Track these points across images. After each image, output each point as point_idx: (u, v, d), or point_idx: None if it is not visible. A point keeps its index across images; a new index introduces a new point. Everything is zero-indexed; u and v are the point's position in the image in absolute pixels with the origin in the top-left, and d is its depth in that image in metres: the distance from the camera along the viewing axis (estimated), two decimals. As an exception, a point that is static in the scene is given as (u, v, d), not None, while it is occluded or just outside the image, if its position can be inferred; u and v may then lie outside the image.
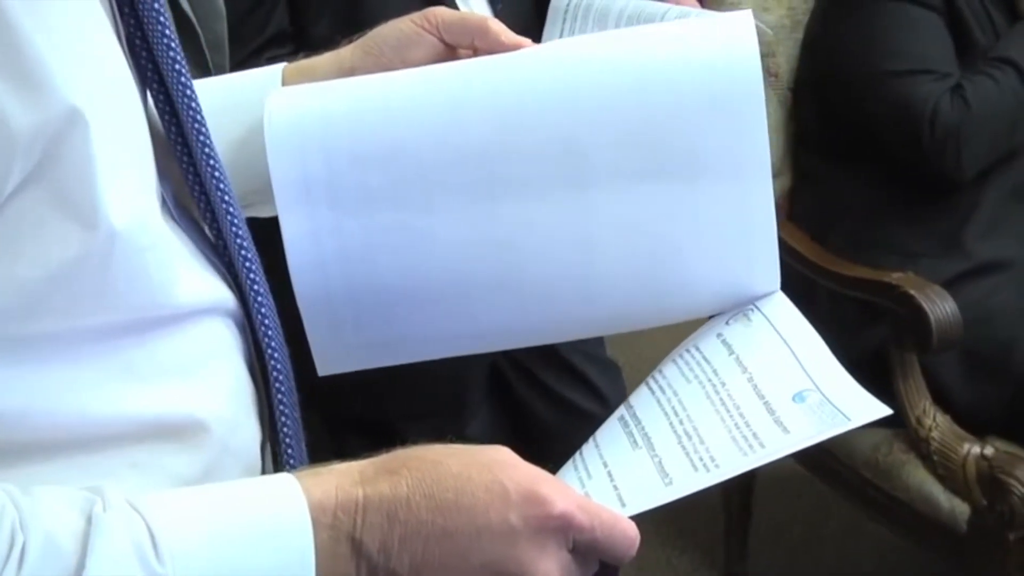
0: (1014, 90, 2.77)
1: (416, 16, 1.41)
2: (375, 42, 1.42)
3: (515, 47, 1.35)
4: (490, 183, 1.28)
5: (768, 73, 3.06)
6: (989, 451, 2.59)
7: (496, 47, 1.35)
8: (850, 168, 2.95)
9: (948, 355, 2.69)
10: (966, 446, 2.61)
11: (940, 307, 2.61)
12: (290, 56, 2.26)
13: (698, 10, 2.26)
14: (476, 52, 1.38)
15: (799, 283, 2.84)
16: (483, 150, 1.28)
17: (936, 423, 2.65)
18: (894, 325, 2.68)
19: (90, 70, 0.95)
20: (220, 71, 1.98)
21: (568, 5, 2.27)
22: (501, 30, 1.37)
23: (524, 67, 1.32)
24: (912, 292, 2.62)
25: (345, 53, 1.44)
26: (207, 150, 1.14)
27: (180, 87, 1.11)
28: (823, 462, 2.99)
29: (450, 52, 1.39)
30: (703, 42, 1.31)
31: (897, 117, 2.79)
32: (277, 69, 1.45)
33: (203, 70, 1.89)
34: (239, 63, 2.10)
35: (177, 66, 1.10)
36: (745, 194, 1.29)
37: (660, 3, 2.31)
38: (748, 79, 1.26)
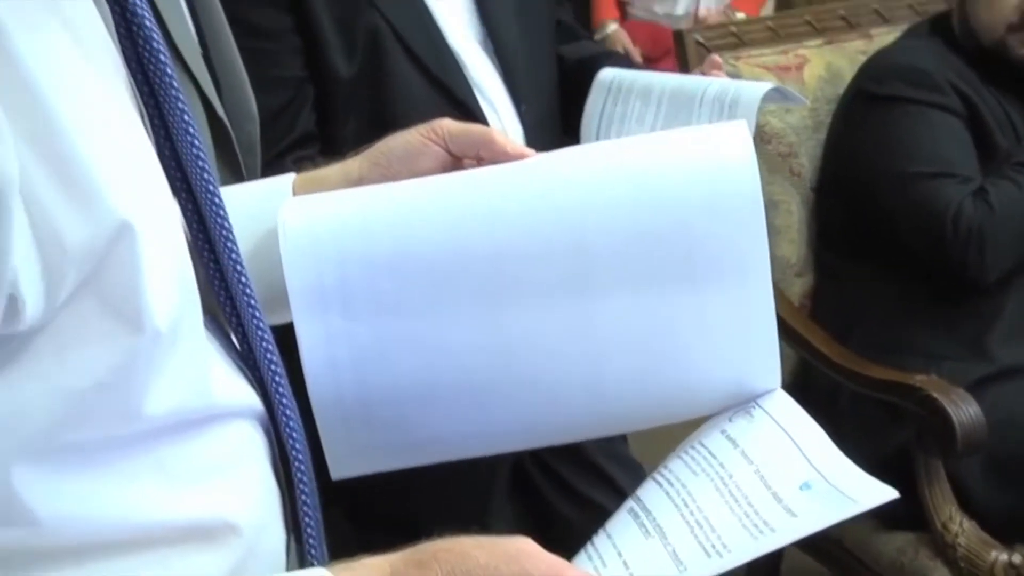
0: None
1: (423, 128, 1.44)
2: (383, 153, 1.46)
3: (519, 157, 1.38)
4: (497, 289, 1.31)
5: (791, 173, 3.12)
6: (1017, 558, 2.57)
7: (500, 157, 1.39)
8: (873, 268, 2.96)
9: (973, 459, 2.68)
10: (993, 553, 2.59)
11: (964, 411, 2.59)
12: (318, 156, 2.31)
13: (735, 83, 2.32)
14: (481, 162, 1.41)
15: (822, 383, 2.87)
16: (489, 257, 1.31)
17: (962, 529, 2.63)
18: (918, 428, 2.67)
19: (135, 182, 0.98)
20: (252, 172, 2.02)
21: (612, 81, 2.34)
22: (505, 141, 1.40)
23: (528, 176, 1.36)
24: (936, 395, 2.61)
25: (353, 164, 1.47)
26: (234, 257, 1.17)
27: (208, 196, 1.13)
28: (849, 565, 2.96)
29: (456, 162, 1.43)
30: (702, 151, 1.36)
31: (920, 219, 2.80)
32: (288, 180, 1.48)
33: (236, 172, 1.92)
34: (266, 163, 2.13)
35: (206, 175, 1.13)
36: (746, 296, 1.32)
37: (699, 78, 2.37)
38: (746, 186, 1.30)
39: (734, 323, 1.34)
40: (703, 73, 2.52)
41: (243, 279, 1.18)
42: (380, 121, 2.33)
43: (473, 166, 1.42)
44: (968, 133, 2.87)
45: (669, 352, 1.35)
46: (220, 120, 1.89)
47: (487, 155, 1.40)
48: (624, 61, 2.71)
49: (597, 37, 4.35)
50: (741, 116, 2.19)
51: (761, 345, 1.36)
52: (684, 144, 1.40)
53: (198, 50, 1.90)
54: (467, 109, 2.40)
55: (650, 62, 4.35)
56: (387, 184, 1.39)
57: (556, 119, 2.58)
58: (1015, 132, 2.91)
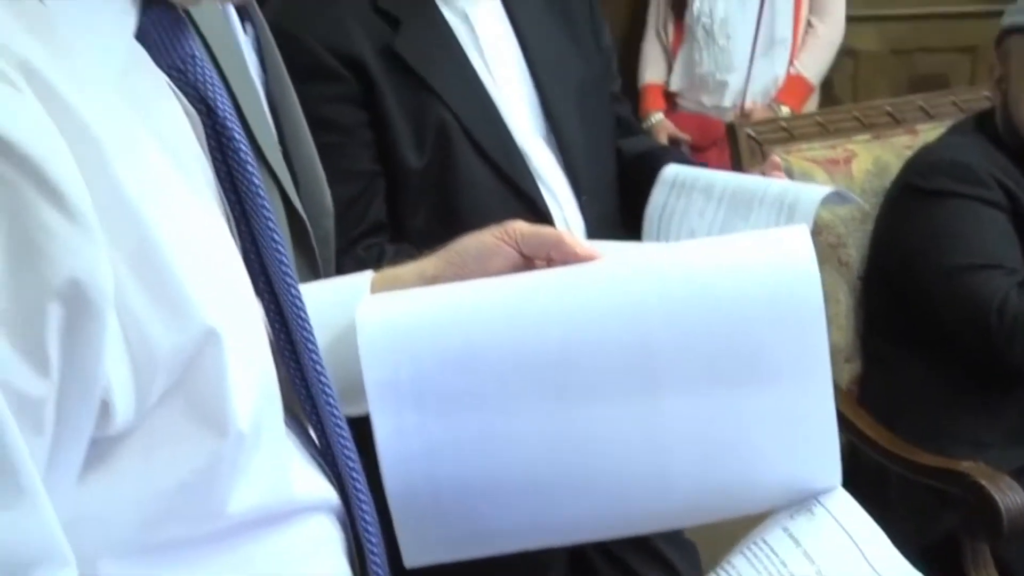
0: None
1: (496, 229, 1.43)
2: (457, 253, 1.44)
3: (588, 258, 1.37)
4: (565, 387, 1.30)
5: (839, 263, 3.10)
6: (1060, 641, 2.52)
7: (571, 258, 1.38)
8: (920, 356, 2.93)
9: (1020, 544, 2.64)
10: (1038, 636, 2.54)
11: (1011, 497, 2.56)
12: (387, 244, 2.30)
13: (795, 185, 2.31)
14: (551, 262, 1.40)
15: (871, 467, 2.84)
16: (558, 355, 1.30)
17: (1009, 612, 2.59)
18: (965, 514, 2.63)
19: (222, 290, 0.97)
20: (327, 264, 2.02)
21: (676, 177, 2.34)
22: (575, 243, 1.39)
23: (596, 278, 1.35)
24: (982, 482, 2.58)
25: (428, 263, 1.46)
26: (314, 356, 1.16)
27: (290, 297, 1.13)
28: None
29: (527, 262, 1.41)
30: (766, 255, 1.35)
31: (967, 310, 2.77)
32: (366, 278, 1.48)
33: (312, 263, 1.93)
34: (339, 251, 2.14)
35: (288, 278, 1.13)
36: (807, 396, 1.31)
37: (759, 178, 2.36)
38: (809, 290, 1.29)
39: (796, 421, 1.33)
40: (763, 173, 2.52)
41: (322, 378, 1.17)
42: (448, 211, 2.36)
43: (543, 266, 1.41)
44: (1012, 226, 2.85)
45: (732, 449, 1.33)
46: (298, 214, 1.89)
47: (557, 256, 1.39)
48: (680, 156, 2.70)
49: (644, 127, 4.33)
50: (800, 218, 2.20)
51: (822, 443, 1.35)
52: (748, 248, 1.40)
53: (278, 147, 1.92)
54: (531, 201, 2.40)
55: (698, 151, 4.36)
56: (461, 284, 1.38)
57: (615, 211, 2.56)
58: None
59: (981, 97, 3.18)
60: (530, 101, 2.46)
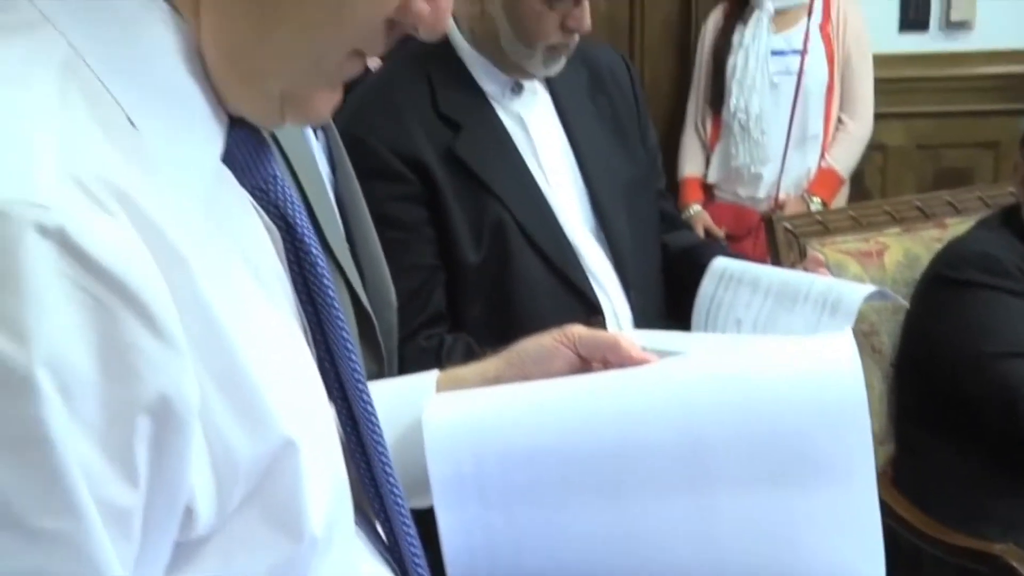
0: None
1: (555, 332, 1.43)
2: (518, 355, 1.44)
3: (643, 362, 1.37)
4: (620, 483, 1.32)
5: (872, 350, 3.08)
6: None
7: (626, 361, 1.38)
8: (951, 440, 2.89)
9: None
10: None
11: None
12: (446, 335, 2.31)
13: (838, 283, 2.32)
14: (607, 365, 1.40)
15: (905, 548, 2.82)
16: (614, 454, 1.32)
17: None
18: (997, 595, 2.60)
19: (299, 400, 0.97)
20: (391, 354, 2.03)
21: (724, 270, 2.35)
22: (630, 347, 1.39)
23: (651, 380, 1.37)
24: (1015, 564, 2.57)
25: (490, 364, 1.46)
26: (383, 456, 1.16)
27: (362, 403, 1.14)
28: None
29: (584, 364, 1.41)
30: (813, 361, 1.36)
31: (996, 395, 2.75)
32: (432, 378, 1.47)
33: (376, 354, 1.94)
34: (401, 340, 2.13)
35: (359, 385, 1.13)
36: (853, 493, 1.31)
37: (804, 274, 2.37)
38: (854, 395, 1.29)
39: (842, 517, 1.33)
40: (804, 268, 2.53)
41: (391, 477, 1.17)
42: (504, 303, 2.37)
43: (600, 368, 1.41)
44: (1036, 319, 2.84)
45: (781, 543, 1.34)
46: (364, 307, 1.90)
47: (613, 359, 1.39)
48: (722, 250, 2.70)
49: (683, 217, 4.33)
50: (843, 315, 2.20)
51: (866, 539, 1.35)
52: (797, 354, 1.41)
53: (346, 244, 1.93)
54: (582, 294, 2.41)
55: (734, 241, 4.35)
56: (521, 384, 1.39)
57: (661, 302, 2.56)
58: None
59: (1006, 193, 3.15)
60: (580, 199, 2.47)
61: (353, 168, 2.04)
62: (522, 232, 2.36)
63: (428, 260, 2.35)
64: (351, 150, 2.04)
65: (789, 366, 1.37)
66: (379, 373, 1.93)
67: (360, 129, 2.18)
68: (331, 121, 1.99)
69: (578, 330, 1.42)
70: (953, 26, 4.83)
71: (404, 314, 2.13)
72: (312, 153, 1.94)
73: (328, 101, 1.02)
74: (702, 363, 1.42)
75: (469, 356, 2.30)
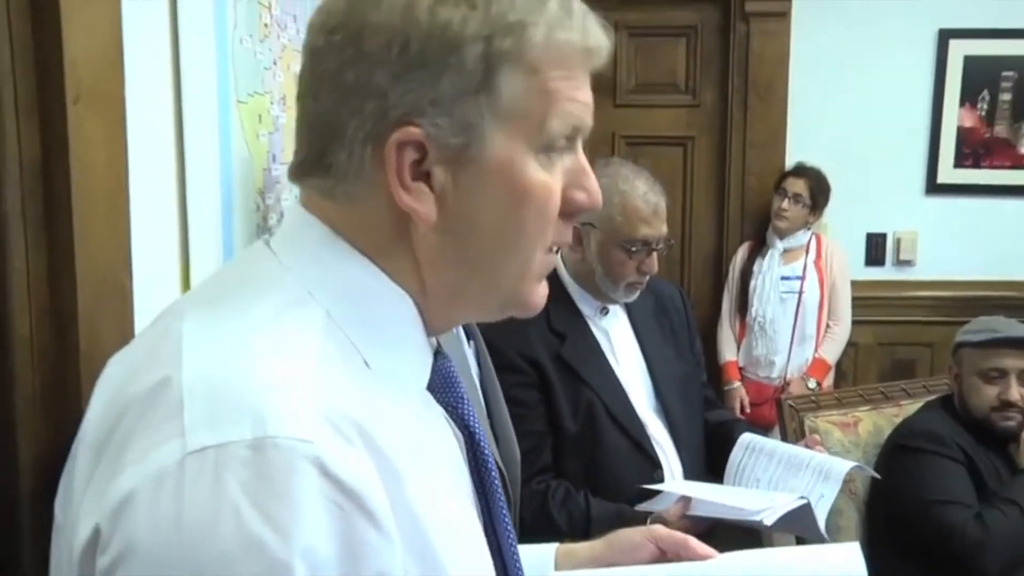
0: (1017, 520, 2.64)
1: (643, 530, 1.35)
2: (616, 542, 1.35)
3: (705, 557, 1.29)
4: None
5: (850, 492, 2.97)
6: None
7: (694, 556, 1.29)
8: (906, 559, 2.75)
9: None
10: None
11: None
12: (552, 481, 2.26)
13: (830, 459, 2.31)
14: (679, 557, 1.31)
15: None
16: None
17: None
18: None
19: (473, 569, 0.93)
20: (516, 497, 1.97)
21: (749, 443, 2.40)
22: (698, 545, 1.30)
23: (712, 571, 1.28)
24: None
25: (597, 546, 1.36)
26: None
27: (515, 567, 1.07)
28: None
29: (663, 555, 1.32)
30: (832, 567, 1.27)
31: (939, 533, 2.65)
32: (551, 549, 1.38)
33: (510, 504, 1.92)
34: (521, 483, 2.08)
35: (514, 554, 1.06)
36: None
37: (805, 450, 2.36)
38: None
39: None
40: (807, 445, 2.50)
41: None
42: (593, 460, 2.33)
43: (675, 559, 1.33)
44: (968, 476, 2.74)
45: None
46: (498, 464, 1.87)
47: (685, 554, 1.30)
48: (745, 427, 2.64)
49: (725, 389, 4.40)
50: (832, 481, 2.22)
51: None
52: (818, 560, 1.31)
53: (486, 419, 1.91)
54: (648, 455, 2.37)
55: (755, 406, 4.38)
56: (618, 568, 1.30)
57: (703, 461, 2.51)
58: (999, 477, 2.78)
59: (942, 383, 3.07)
60: (647, 389, 2.44)
61: (492, 364, 2.02)
62: (607, 412, 2.34)
63: (541, 428, 2.32)
64: (491, 353, 2.02)
65: (813, 569, 1.28)
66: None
67: (496, 339, 2.15)
68: (478, 333, 1.98)
69: (660, 530, 1.34)
70: (902, 263, 4.79)
71: (524, 465, 2.08)
72: (466, 355, 1.92)
73: (540, 293, 0.97)
74: (751, 561, 1.32)
75: (567, 497, 2.26)
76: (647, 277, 2.39)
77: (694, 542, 1.30)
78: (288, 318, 0.86)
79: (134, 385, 0.83)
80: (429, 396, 0.98)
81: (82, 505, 0.80)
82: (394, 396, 0.89)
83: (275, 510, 0.73)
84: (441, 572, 0.85)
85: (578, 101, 0.91)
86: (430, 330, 0.96)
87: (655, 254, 2.36)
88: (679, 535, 1.32)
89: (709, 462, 2.51)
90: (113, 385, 0.87)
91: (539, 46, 0.88)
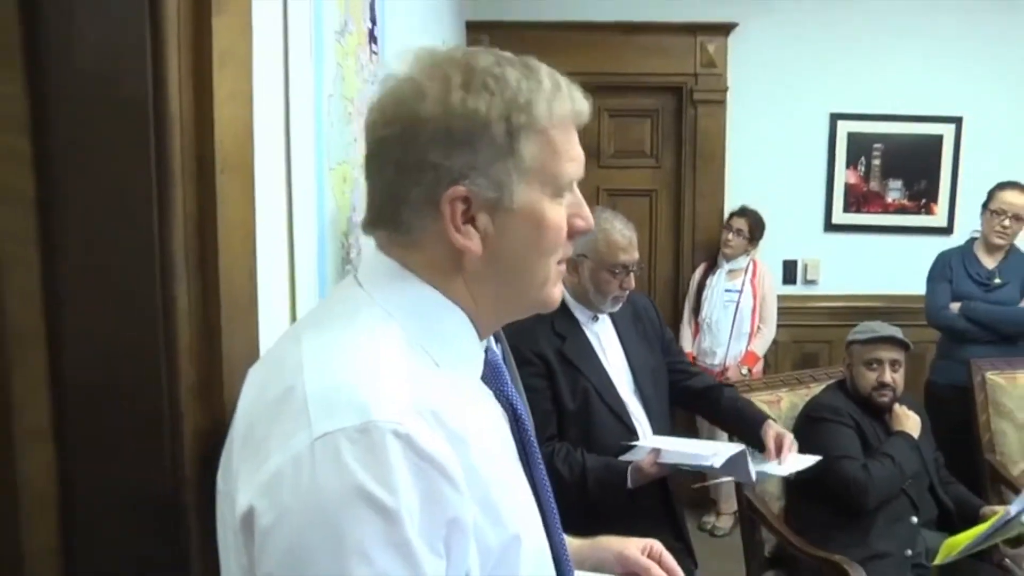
0: (891, 468, 2.63)
1: (617, 550, 1.26)
2: (598, 546, 1.28)
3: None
4: None
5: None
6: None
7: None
8: (815, 501, 2.73)
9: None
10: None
11: (858, 572, 2.42)
12: (557, 444, 2.22)
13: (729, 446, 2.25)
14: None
15: (789, 557, 2.67)
16: None
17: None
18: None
19: (522, 513, 0.91)
20: None
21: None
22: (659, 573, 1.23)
23: None
24: (844, 566, 2.43)
25: (608, 540, 1.28)
26: (563, 541, 1.05)
27: (552, 513, 1.03)
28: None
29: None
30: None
31: (837, 479, 2.63)
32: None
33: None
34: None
35: (552, 502, 1.03)
36: None
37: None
38: None
39: None
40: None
41: (567, 554, 1.05)
42: (587, 432, 2.29)
43: None
44: (857, 438, 2.73)
45: None
46: None
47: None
48: (732, 390, 2.62)
49: None
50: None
51: None
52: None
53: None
54: (627, 426, 2.33)
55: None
56: None
57: (668, 427, 2.46)
58: (879, 438, 2.75)
59: (839, 370, 3.04)
60: (627, 378, 2.40)
61: (514, 360, 1.99)
62: (597, 394, 2.30)
63: (547, 406, 2.28)
64: (513, 351, 2.00)
65: None
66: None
67: (515, 340, 2.14)
68: (503, 336, 1.96)
69: (631, 554, 1.25)
70: (808, 282, 4.72)
71: (536, 435, 2.06)
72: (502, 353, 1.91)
73: (557, 292, 0.96)
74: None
75: (568, 454, 2.23)
76: (627, 292, 2.38)
77: (656, 570, 1.21)
78: (376, 333, 0.86)
79: (268, 391, 0.83)
80: (482, 384, 0.97)
81: (238, 480, 0.81)
82: (457, 386, 0.88)
83: (381, 474, 0.74)
84: (498, 516, 0.84)
85: (575, 160, 0.92)
86: (481, 334, 0.95)
87: (631, 275, 2.35)
88: (645, 561, 1.23)
89: (692, 415, 2.49)
90: (253, 390, 0.88)
91: (544, 116, 0.88)
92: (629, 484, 2.18)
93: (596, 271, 2.33)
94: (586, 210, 0.95)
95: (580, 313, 2.40)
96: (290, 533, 0.74)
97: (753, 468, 2.18)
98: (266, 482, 0.76)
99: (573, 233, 0.94)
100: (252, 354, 1.05)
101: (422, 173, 0.86)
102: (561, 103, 0.89)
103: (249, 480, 0.78)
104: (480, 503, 0.82)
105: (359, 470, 0.74)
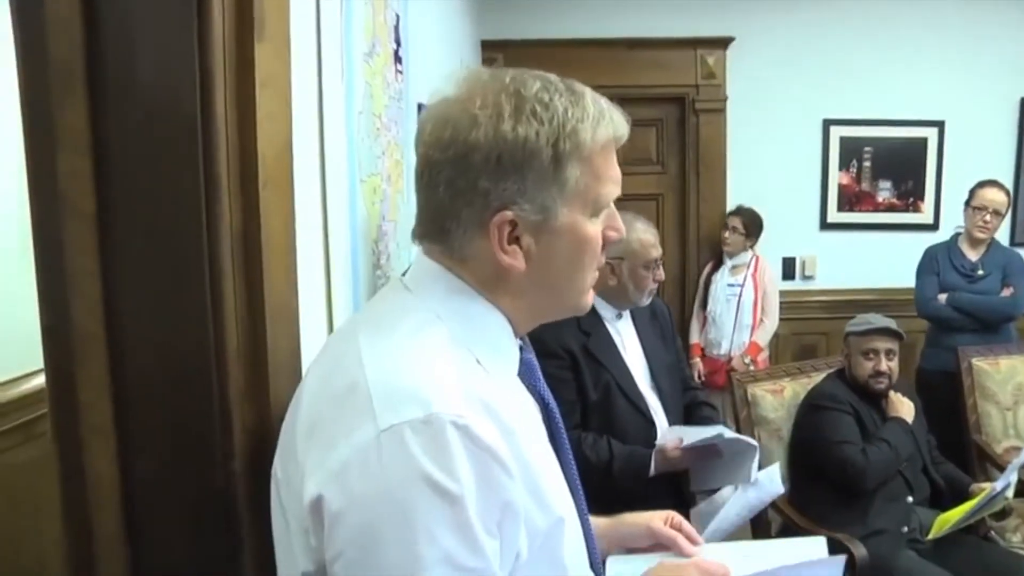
0: (887, 452, 2.60)
1: (644, 521, 1.20)
2: (622, 523, 1.22)
3: (691, 555, 1.15)
4: None
5: (779, 438, 2.91)
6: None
7: (681, 551, 1.16)
8: (817, 483, 2.72)
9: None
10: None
11: (859, 549, 2.40)
12: (580, 430, 2.17)
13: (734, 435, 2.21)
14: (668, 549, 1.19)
15: (793, 533, 2.62)
16: None
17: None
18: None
19: (562, 497, 0.91)
20: None
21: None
22: (684, 544, 1.17)
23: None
24: (845, 543, 2.41)
25: (606, 520, 1.22)
26: (589, 526, 1.04)
27: (579, 497, 1.01)
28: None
29: (657, 545, 1.20)
30: (806, 552, 1.12)
31: (836, 462, 2.61)
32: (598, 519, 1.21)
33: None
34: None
35: (578, 483, 1.02)
36: None
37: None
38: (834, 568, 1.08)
39: None
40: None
41: (593, 541, 1.02)
42: (609, 420, 2.26)
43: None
44: (855, 424, 2.70)
45: None
46: None
47: (674, 548, 1.17)
48: (709, 410, 2.56)
49: (690, 363, 4.23)
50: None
51: None
52: (790, 546, 1.20)
53: None
54: (645, 416, 2.30)
55: (710, 374, 4.26)
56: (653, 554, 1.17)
57: (680, 419, 2.43)
58: (876, 424, 2.72)
59: (838, 360, 3.00)
60: (645, 372, 2.36)
61: (536, 353, 1.97)
62: (618, 387, 2.27)
63: (572, 397, 2.25)
64: (538, 343, 1.97)
65: (798, 556, 1.12)
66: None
67: (543, 334, 2.09)
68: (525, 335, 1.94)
69: (657, 524, 1.20)
70: (806, 277, 4.69)
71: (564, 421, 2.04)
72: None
73: (590, 298, 0.97)
74: (725, 552, 1.16)
75: (595, 441, 2.19)
76: (658, 284, 2.38)
77: (681, 539, 1.17)
78: (427, 333, 0.86)
79: (330, 387, 0.84)
80: (518, 380, 0.97)
81: (305, 469, 0.80)
82: (498, 381, 0.89)
83: (444, 461, 0.75)
84: (543, 500, 0.85)
85: (614, 181, 0.92)
86: (517, 334, 0.95)
87: (661, 267, 2.37)
88: (671, 532, 1.18)
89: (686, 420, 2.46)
90: (313, 387, 0.88)
91: (588, 142, 0.88)
92: (652, 471, 2.16)
93: (634, 269, 2.32)
94: (619, 220, 0.95)
95: (604, 310, 2.38)
96: (360, 516, 0.75)
97: (755, 470, 2.16)
98: (335, 471, 0.77)
99: (607, 244, 0.94)
100: (294, 358, 1.05)
101: (473, 196, 0.86)
102: (604, 128, 0.89)
103: (316, 469, 0.79)
104: (528, 488, 0.82)
105: (423, 458, 0.75)
